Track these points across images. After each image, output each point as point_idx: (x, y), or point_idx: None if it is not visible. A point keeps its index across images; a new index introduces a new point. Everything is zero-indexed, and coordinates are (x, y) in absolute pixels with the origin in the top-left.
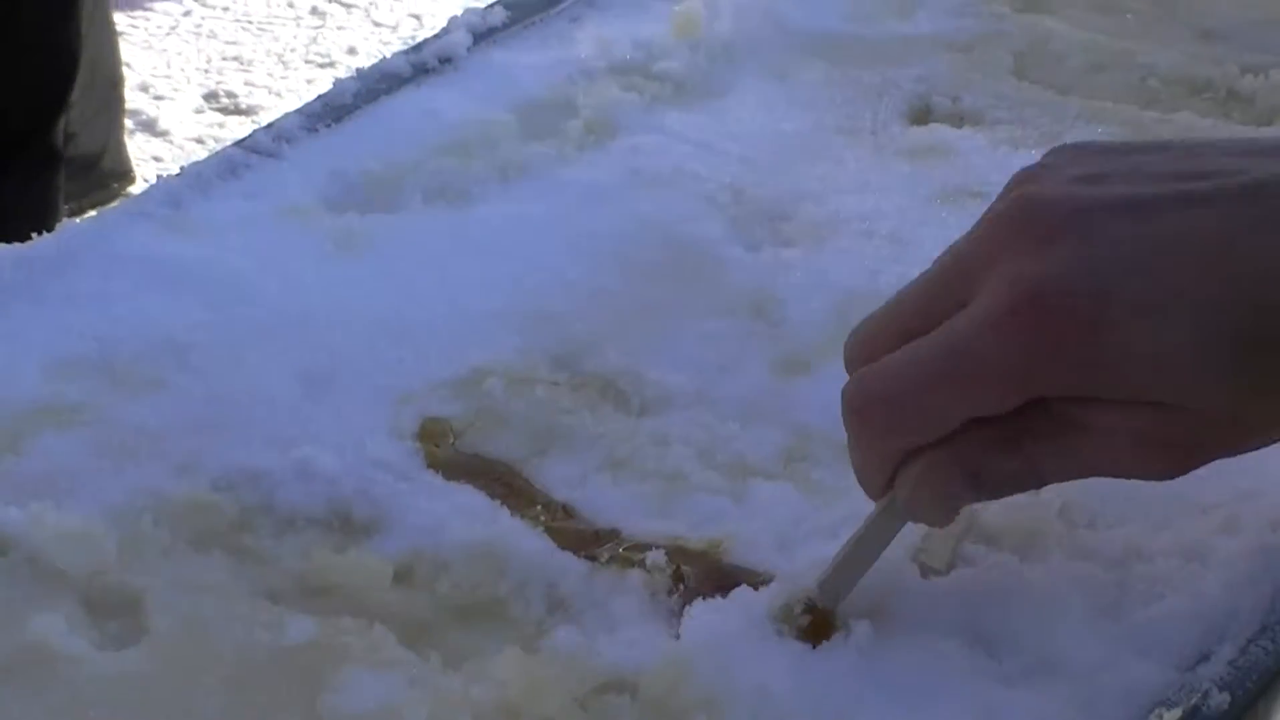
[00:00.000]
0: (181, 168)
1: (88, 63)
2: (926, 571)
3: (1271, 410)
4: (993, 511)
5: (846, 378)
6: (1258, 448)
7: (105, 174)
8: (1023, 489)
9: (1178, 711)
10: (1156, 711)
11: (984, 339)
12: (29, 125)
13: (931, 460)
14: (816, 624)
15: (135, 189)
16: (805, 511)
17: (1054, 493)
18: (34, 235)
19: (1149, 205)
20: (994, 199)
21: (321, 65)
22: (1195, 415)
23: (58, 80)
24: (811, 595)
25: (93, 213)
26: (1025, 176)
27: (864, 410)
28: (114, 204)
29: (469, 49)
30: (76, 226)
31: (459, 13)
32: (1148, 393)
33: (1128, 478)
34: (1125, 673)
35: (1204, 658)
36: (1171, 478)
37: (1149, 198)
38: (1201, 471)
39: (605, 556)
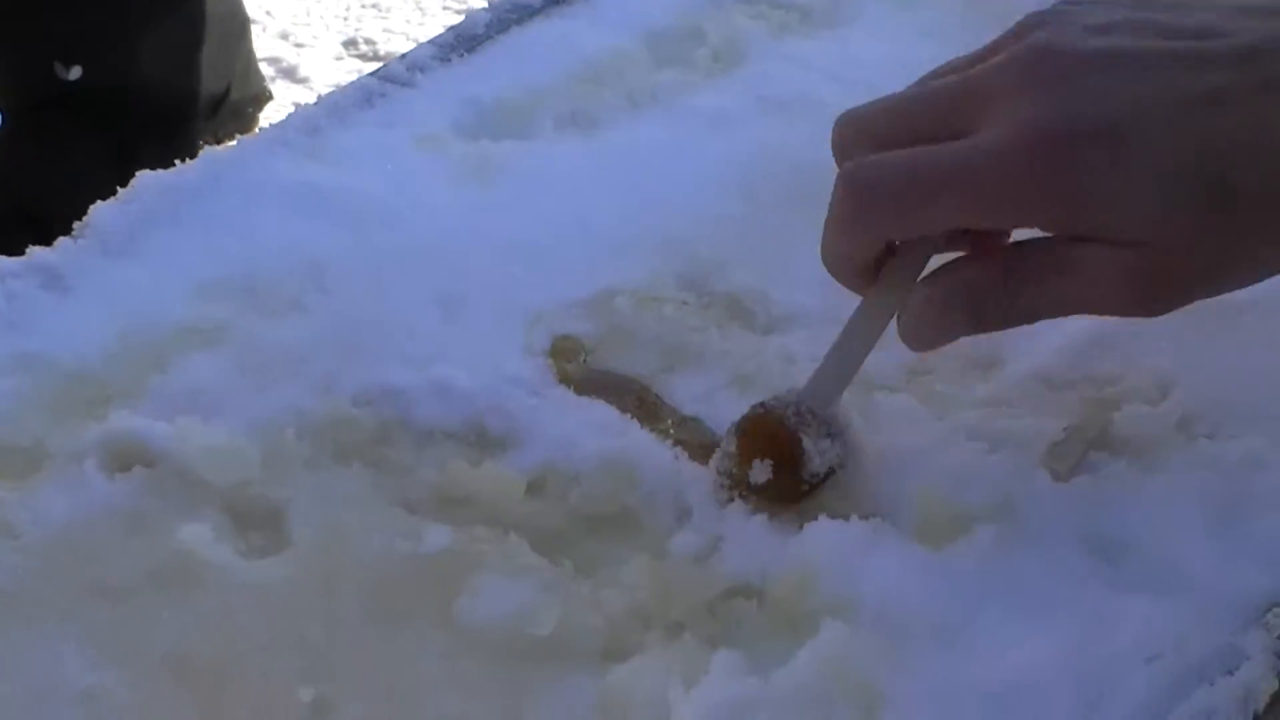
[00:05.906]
0: (319, 97)
1: (214, 18)
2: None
3: (1242, 251)
4: (1113, 422)
5: None
6: (1237, 287)
7: (236, 103)
8: (1015, 324)
9: None
10: (1274, 611)
11: (992, 166)
12: (163, 95)
13: (933, 293)
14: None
15: (270, 111)
16: (927, 420)
17: (1174, 404)
18: None
19: (1153, 61)
20: (1006, 32)
21: (458, 12)
22: (1171, 252)
23: (185, 45)
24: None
25: (233, 142)
26: (1038, 20)
27: (867, 195)
28: (253, 131)
29: None
30: (217, 154)
31: None
32: (1126, 229)
33: (1110, 314)
34: (1242, 579)
35: None
36: (1153, 314)
37: (1153, 53)
38: None
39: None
